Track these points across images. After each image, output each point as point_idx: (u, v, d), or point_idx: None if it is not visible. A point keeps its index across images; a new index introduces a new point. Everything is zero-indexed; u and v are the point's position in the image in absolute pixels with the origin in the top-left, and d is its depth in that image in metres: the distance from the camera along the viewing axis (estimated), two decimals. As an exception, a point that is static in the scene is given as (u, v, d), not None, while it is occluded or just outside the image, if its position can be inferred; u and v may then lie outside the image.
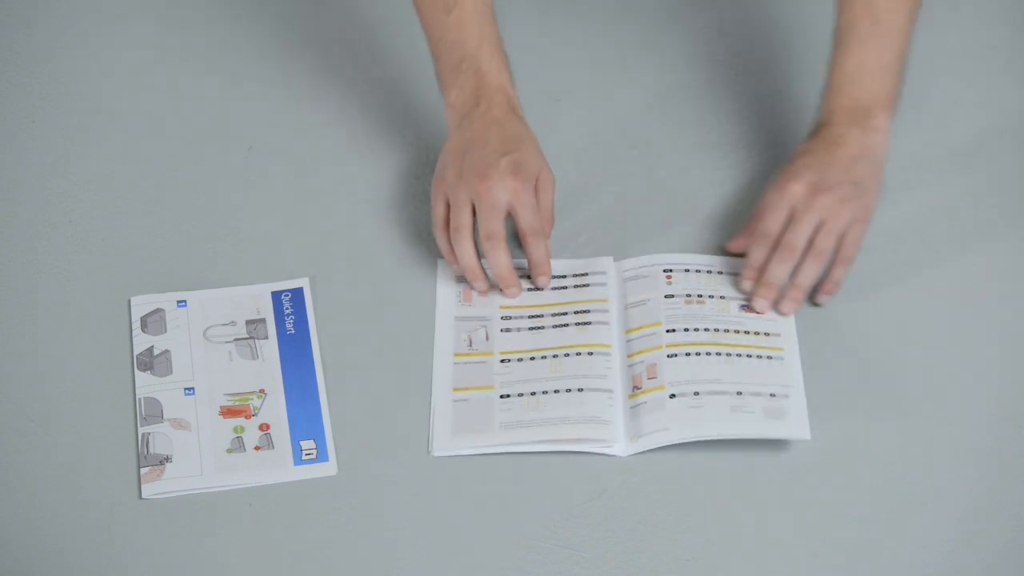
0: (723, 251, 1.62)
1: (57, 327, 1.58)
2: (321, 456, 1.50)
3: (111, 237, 1.65)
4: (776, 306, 1.56)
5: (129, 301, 1.60)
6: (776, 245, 1.55)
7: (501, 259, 1.56)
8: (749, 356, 1.53)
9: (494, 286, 1.59)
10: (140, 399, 1.53)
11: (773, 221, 1.55)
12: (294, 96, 1.76)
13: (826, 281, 1.57)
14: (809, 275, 1.55)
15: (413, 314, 1.59)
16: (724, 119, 1.74)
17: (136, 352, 1.56)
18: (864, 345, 1.56)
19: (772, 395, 1.50)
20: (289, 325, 1.58)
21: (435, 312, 1.59)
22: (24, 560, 1.45)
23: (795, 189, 1.54)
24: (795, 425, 1.49)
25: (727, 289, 1.58)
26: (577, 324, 1.57)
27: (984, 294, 1.60)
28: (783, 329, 1.56)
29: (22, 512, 1.47)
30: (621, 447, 1.50)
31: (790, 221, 1.54)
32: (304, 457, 1.50)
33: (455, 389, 1.54)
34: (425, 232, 1.64)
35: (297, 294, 1.60)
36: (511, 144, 1.57)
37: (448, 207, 1.57)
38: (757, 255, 1.56)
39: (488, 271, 1.58)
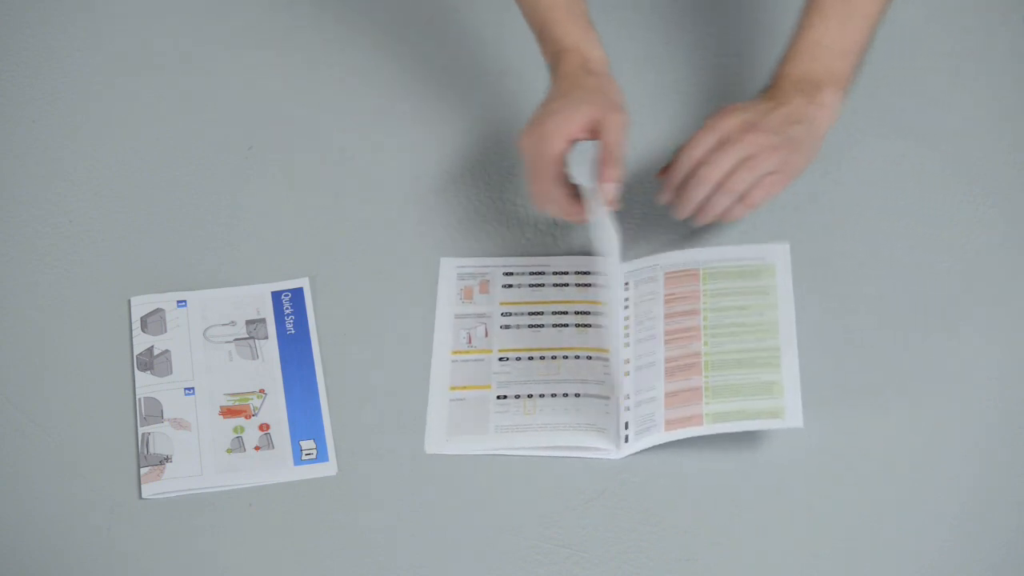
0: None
1: (57, 327, 1.58)
2: (321, 456, 1.50)
3: (111, 237, 1.65)
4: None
5: (129, 301, 1.60)
6: (696, 170, 1.54)
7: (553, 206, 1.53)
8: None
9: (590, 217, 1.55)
10: (140, 399, 1.53)
11: (699, 147, 1.53)
12: (294, 96, 1.76)
13: (725, 211, 1.55)
14: (718, 206, 1.53)
15: (413, 314, 1.59)
16: (724, 118, 1.74)
17: (136, 352, 1.56)
18: (861, 338, 1.56)
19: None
20: (289, 325, 1.58)
21: (435, 311, 1.59)
22: (24, 560, 1.45)
23: (730, 122, 1.53)
24: (789, 416, 1.48)
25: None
26: (577, 325, 1.57)
27: (983, 288, 1.60)
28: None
29: (22, 512, 1.47)
30: (616, 451, 1.50)
31: (715, 150, 1.53)
32: (304, 457, 1.50)
33: (452, 388, 1.54)
34: (426, 233, 1.64)
35: (297, 294, 1.60)
36: (561, 98, 1.53)
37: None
38: (676, 176, 1.55)
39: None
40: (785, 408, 1.48)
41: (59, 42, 1.81)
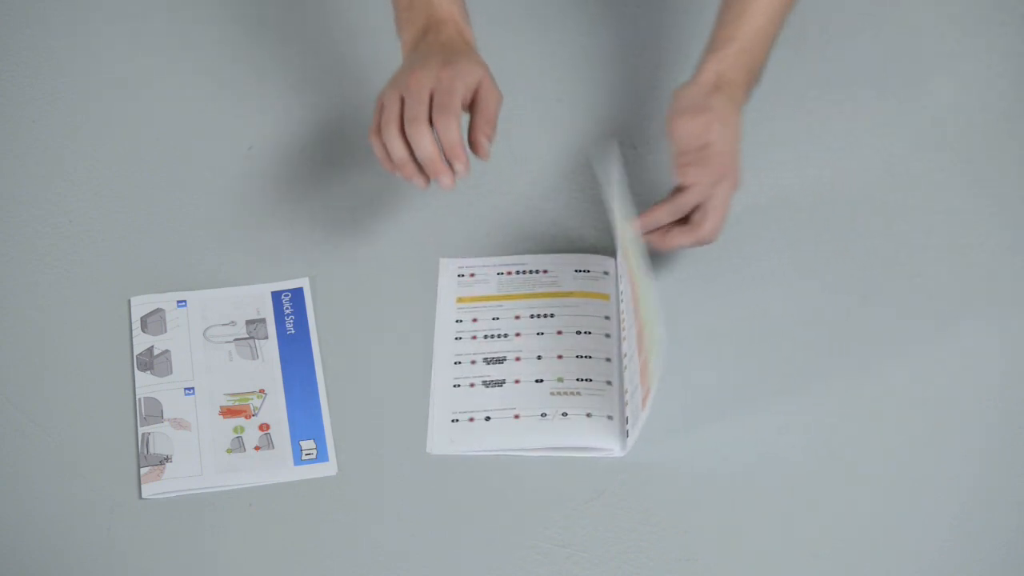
0: None
1: (57, 327, 1.58)
2: (321, 456, 1.50)
3: (111, 237, 1.65)
4: None
5: (129, 301, 1.60)
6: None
7: (424, 139, 1.49)
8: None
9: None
10: (140, 399, 1.53)
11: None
12: (294, 95, 1.76)
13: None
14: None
15: (413, 314, 1.59)
16: (724, 119, 1.74)
17: (136, 352, 1.56)
18: (862, 339, 1.57)
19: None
20: (289, 325, 1.58)
21: (435, 311, 1.59)
22: (24, 560, 1.45)
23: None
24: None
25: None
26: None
27: (983, 289, 1.60)
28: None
29: (23, 512, 1.47)
30: (619, 448, 1.50)
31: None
32: (304, 457, 1.50)
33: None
34: (426, 233, 1.64)
35: (297, 294, 1.60)
36: (451, 56, 1.53)
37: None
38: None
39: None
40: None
41: (59, 42, 1.81)
